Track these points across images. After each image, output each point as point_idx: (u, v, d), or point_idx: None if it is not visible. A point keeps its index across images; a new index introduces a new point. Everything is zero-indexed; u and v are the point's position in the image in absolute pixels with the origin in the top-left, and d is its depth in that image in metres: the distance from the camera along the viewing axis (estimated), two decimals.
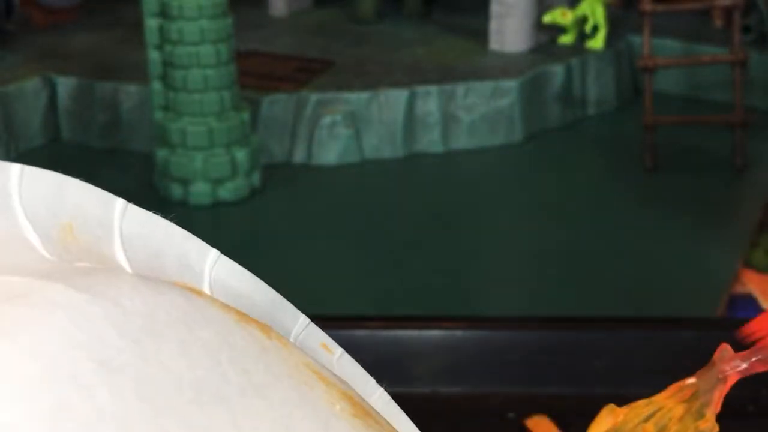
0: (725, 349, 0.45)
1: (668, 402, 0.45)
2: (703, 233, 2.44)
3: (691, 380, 0.45)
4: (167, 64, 2.58)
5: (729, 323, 1.03)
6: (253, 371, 0.34)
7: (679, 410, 0.45)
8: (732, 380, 0.45)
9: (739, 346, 0.52)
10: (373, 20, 3.61)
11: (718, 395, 0.45)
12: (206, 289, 0.38)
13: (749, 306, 2.16)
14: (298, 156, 2.89)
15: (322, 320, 0.78)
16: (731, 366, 0.44)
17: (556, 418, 0.72)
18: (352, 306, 2.10)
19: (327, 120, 2.85)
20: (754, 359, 0.45)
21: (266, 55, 3.25)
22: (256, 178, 2.67)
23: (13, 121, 2.91)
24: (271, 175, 2.75)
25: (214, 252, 0.39)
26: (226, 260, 0.40)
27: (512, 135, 3.02)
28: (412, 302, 2.13)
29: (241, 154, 2.60)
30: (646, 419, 0.44)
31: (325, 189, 2.77)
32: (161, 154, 2.62)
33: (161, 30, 2.57)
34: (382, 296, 2.17)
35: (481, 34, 3.32)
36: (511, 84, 3.00)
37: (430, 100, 2.95)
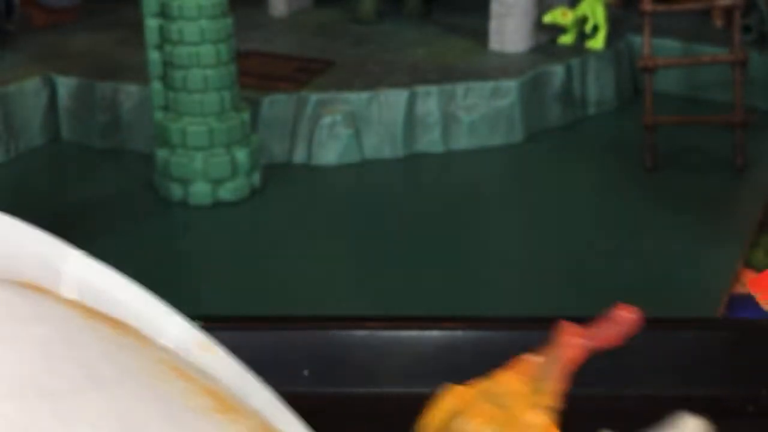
0: (566, 325, 0.45)
1: (509, 379, 0.45)
2: (703, 233, 2.44)
3: (532, 357, 0.45)
4: (167, 64, 2.58)
5: (729, 323, 1.04)
6: (95, 366, 0.34)
7: (518, 386, 0.44)
8: (573, 356, 0.45)
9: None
10: (373, 20, 3.61)
11: (560, 371, 0.45)
12: (64, 289, 0.38)
13: (749, 306, 2.16)
14: (298, 156, 2.89)
15: (321, 320, 0.78)
16: (572, 342, 0.44)
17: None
18: (352, 306, 2.10)
19: (327, 120, 2.85)
20: (594, 335, 0.45)
21: (266, 55, 3.25)
22: (256, 178, 2.67)
23: (13, 121, 2.91)
24: (271, 175, 2.75)
25: (75, 253, 0.39)
26: (89, 261, 0.40)
27: (512, 135, 3.02)
28: (412, 302, 2.13)
29: (241, 154, 2.60)
30: (487, 398, 0.44)
31: (325, 189, 2.77)
32: (161, 154, 2.62)
33: (161, 30, 2.57)
34: (382, 296, 2.17)
35: (481, 34, 3.32)
36: (511, 84, 3.00)
37: (430, 100, 2.95)
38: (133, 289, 0.40)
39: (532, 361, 0.44)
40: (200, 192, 2.60)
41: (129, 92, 2.96)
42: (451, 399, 0.42)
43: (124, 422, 0.32)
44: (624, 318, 0.42)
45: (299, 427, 0.42)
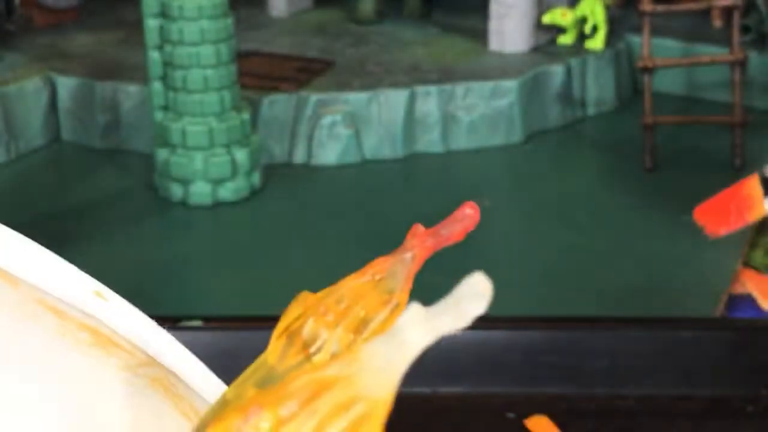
0: (417, 227, 0.46)
1: (357, 282, 0.46)
2: (702, 233, 2.44)
3: (381, 259, 0.46)
4: (167, 64, 2.58)
5: (729, 323, 1.04)
6: None
7: (366, 287, 0.45)
8: (423, 256, 0.46)
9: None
10: (373, 20, 3.61)
11: (409, 272, 0.46)
12: None
13: (749, 306, 2.16)
14: (298, 156, 2.89)
15: None
16: (420, 242, 0.45)
17: (556, 418, 0.72)
18: None
19: (327, 120, 2.85)
20: (440, 233, 0.46)
21: (266, 55, 3.25)
22: (256, 178, 2.67)
23: (14, 121, 2.91)
24: (271, 175, 2.75)
25: None
26: None
27: (512, 135, 3.02)
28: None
29: (241, 154, 2.60)
30: (331, 299, 0.45)
31: (325, 189, 2.77)
32: (161, 154, 2.62)
33: (161, 30, 2.57)
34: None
35: (481, 35, 3.32)
36: (510, 84, 3.00)
37: (430, 100, 2.95)
38: (18, 238, 0.40)
39: (379, 262, 0.45)
40: (200, 192, 2.60)
41: (129, 92, 2.96)
42: (296, 305, 0.43)
43: None
44: (466, 215, 0.43)
45: (196, 365, 0.42)
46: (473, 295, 0.27)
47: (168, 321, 0.51)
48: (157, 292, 2.14)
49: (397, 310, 0.43)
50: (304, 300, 0.45)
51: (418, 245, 0.46)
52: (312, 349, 0.41)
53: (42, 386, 0.34)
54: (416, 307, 0.28)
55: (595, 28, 3.28)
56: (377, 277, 0.46)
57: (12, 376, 0.33)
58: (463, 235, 0.43)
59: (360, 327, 0.42)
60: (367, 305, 0.44)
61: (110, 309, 0.42)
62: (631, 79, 3.37)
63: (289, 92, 2.91)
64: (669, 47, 3.29)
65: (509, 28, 3.24)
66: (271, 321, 0.81)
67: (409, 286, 0.44)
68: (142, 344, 0.41)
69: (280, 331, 0.43)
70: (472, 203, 0.43)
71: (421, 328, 0.27)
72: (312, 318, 0.43)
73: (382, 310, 0.43)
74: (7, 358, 0.33)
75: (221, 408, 0.28)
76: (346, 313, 0.42)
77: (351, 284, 0.46)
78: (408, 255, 0.46)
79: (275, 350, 0.41)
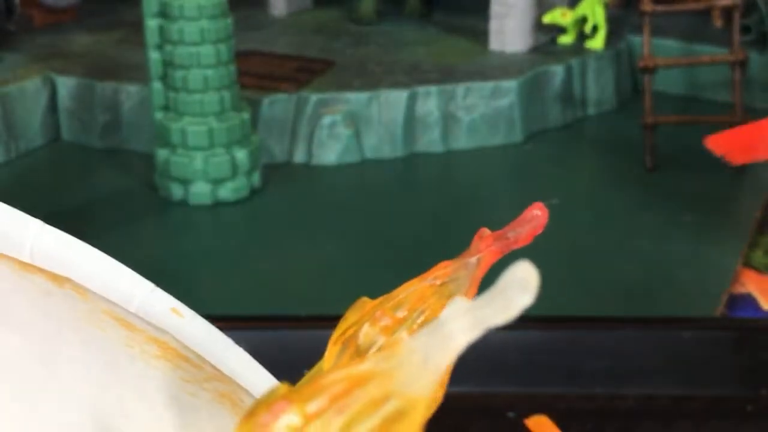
0: (483, 231, 0.45)
1: (418, 286, 0.44)
2: (702, 233, 2.45)
3: (445, 263, 0.44)
4: (167, 64, 2.58)
5: (729, 323, 1.04)
6: (15, 310, 0.34)
7: (427, 292, 0.43)
8: (488, 261, 0.44)
9: None
10: (373, 20, 3.61)
11: (474, 277, 0.44)
12: (26, 258, 0.38)
13: (749, 306, 2.16)
14: (298, 156, 2.89)
15: (321, 320, 0.78)
16: (487, 245, 0.43)
17: (556, 418, 0.72)
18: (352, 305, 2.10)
19: (327, 120, 2.85)
20: (508, 236, 0.44)
21: (266, 55, 3.25)
22: (256, 178, 2.67)
23: (14, 121, 2.91)
24: (271, 175, 2.75)
25: (36, 222, 0.39)
26: (51, 230, 0.40)
27: (512, 135, 3.02)
28: None
29: (241, 154, 2.60)
30: (390, 305, 0.43)
31: (325, 189, 2.78)
32: (161, 154, 2.62)
33: (161, 30, 2.57)
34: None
35: (481, 35, 3.32)
36: (511, 84, 3.00)
37: (430, 100, 2.95)
38: (99, 257, 0.40)
39: (442, 267, 0.44)
40: (200, 192, 2.60)
41: (129, 92, 2.96)
42: (353, 311, 0.42)
43: (40, 363, 0.32)
44: (534, 216, 0.42)
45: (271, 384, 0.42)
46: (519, 285, 0.25)
47: None
48: None
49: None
50: (362, 306, 0.44)
51: (484, 249, 0.45)
52: (370, 353, 0.40)
53: (104, 394, 0.34)
54: (460, 300, 0.27)
55: (595, 28, 3.28)
56: (439, 282, 0.44)
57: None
58: (531, 237, 0.42)
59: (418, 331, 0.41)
60: (427, 310, 0.42)
61: (186, 325, 0.41)
62: (631, 79, 3.37)
63: (289, 92, 2.91)
64: (669, 47, 3.29)
65: (509, 28, 3.24)
66: (272, 321, 0.81)
67: (473, 291, 0.43)
68: (214, 360, 0.41)
69: (335, 338, 0.42)
70: (540, 204, 0.42)
71: (465, 321, 0.26)
72: (368, 323, 0.42)
73: (438, 314, 0.42)
74: (72, 363, 0.33)
75: (253, 406, 0.27)
76: (404, 318, 0.41)
77: (411, 289, 0.44)
78: (473, 259, 0.44)
79: (330, 357, 0.40)
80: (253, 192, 2.66)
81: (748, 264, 2.31)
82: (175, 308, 0.41)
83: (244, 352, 0.43)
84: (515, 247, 0.44)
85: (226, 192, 2.61)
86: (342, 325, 0.40)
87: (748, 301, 2.18)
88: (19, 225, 0.38)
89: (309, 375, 0.37)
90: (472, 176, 2.88)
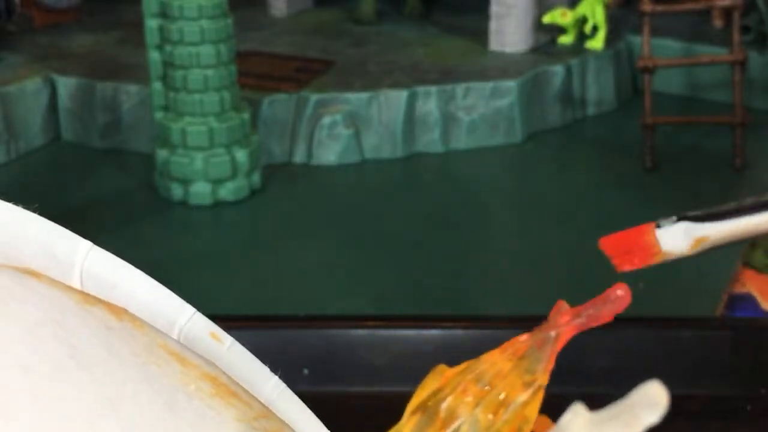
0: (561, 304, 0.44)
1: (496, 359, 0.44)
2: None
3: (524, 337, 0.44)
4: (167, 64, 2.58)
5: (729, 323, 1.03)
6: (84, 348, 0.34)
7: (507, 366, 0.43)
8: (567, 336, 0.44)
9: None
10: (373, 20, 3.61)
11: (551, 351, 0.44)
12: (76, 281, 0.38)
13: (749, 306, 2.16)
14: (298, 156, 2.89)
15: (321, 319, 0.78)
16: (566, 321, 0.43)
17: (556, 418, 0.72)
18: (352, 305, 2.10)
19: (327, 120, 2.85)
20: (588, 313, 0.44)
21: (266, 55, 3.25)
22: (256, 178, 2.67)
23: (14, 121, 2.91)
24: (271, 175, 2.75)
25: (86, 244, 0.38)
26: (99, 252, 0.39)
27: (512, 135, 3.02)
28: (412, 302, 2.13)
29: (241, 154, 2.60)
30: (471, 377, 0.43)
31: (325, 189, 2.77)
32: (161, 154, 2.62)
33: (161, 30, 2.57)
34: (382, 296, 2.17)
35: (481, 35, 3.32)
36: (510, 84, 3.00)
37: (430, 100, 2.95)
38: (143, 280, 0.40)
39: (521, 340, 0.43)
40: (200, 192, 2.60)
41: (129, 92, 2.96)
42: (435, 379, 0.42)
43: (106, 400, 0.32)
44: (617, 297, 0.41)
45: (307, 416, 0.42)
46: (647, 403, 0.24)
47: None
48: None
49: (538, 392, 0.41)
50: (441, 374, 0.44)
51: (562, 325, 0.44)
52: (449, 430, 0.40)
53: None
54: (580, 410, 0.26)
55: (595, 28, 3.28)
56: (518, 356, 0.44)
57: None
58: (611, 317, 0.41)
59: (499, 409, 0.41)
60: (507, 387, 0.42)
61: (225, 351, 0.41)
62: (632, 79, 3.37)
63: (289, 92, 2.91)
64: (669, 47, 3.29)
65: (509, 28, 3.24)
66: (272, 321, 0.81)
67: (550, 366, 0.43)
68: (256, 392, 0.41)
69: (415, 406, 0.42)
70: (623, 285, 0.42)
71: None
72: (451, 396, 0.42)
73: (523, 393, 0.42)
74: (134, 402, 0.33)
75: None
76: (485, 393, 0.41)
77: (490, 361, 0.44)
78: (551, 334, 0.44)
79: (409, 424, 0.40)
80: (253, 192, 2.66)
81: (748, 264, 2.31)
82: (214, 333, 0.42)
83: (280, 382, 0.43)
84: (593, 325, 0.44)
85: (226, 192, 2.61)
86: (421, 392, 0.40)
87: (748, 301, 2.18)
88: (68, 246, 0.38)
89: None
90: (472, 176, 2.88)
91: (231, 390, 0.38)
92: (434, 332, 0.75)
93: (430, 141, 2.96)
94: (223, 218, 2.59)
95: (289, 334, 0.74)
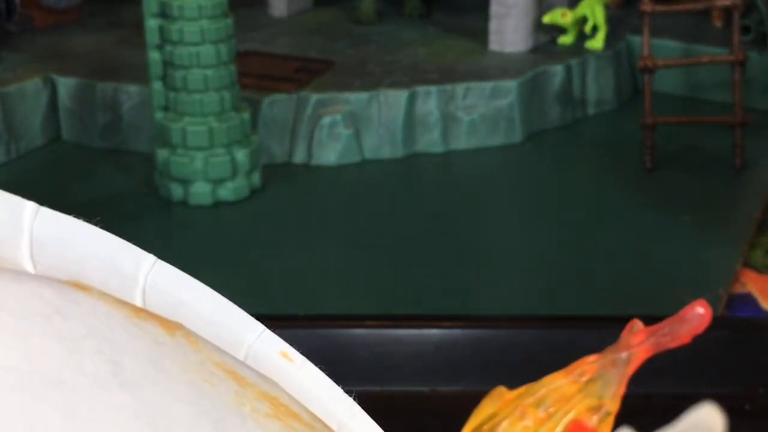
0: (635, 323, 0.41)
1: (559, 381, 0.41)
2: (702, 233, 2.45)
3: (592, 358, 0.40)
4: (167, 64, 2.58)
5: (729, 323, 1.04)
6: (128, 364, 0.33)
7: (571, 389, 0.40)
8: (640, 358, 0.41)
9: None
10: (373, 20, 3.61)
11: (623, 375, 0.41)
12: (138, 297, 0.37)
13: (749, 306, 2.16)
14: (298, 156, 2.89)
15: (321, 319, 0.79)
16: (640, 341, 0.40)
17: None
18: (352, 305, 2.10)
19: (327, 120, 2.86)
20: (663, 332, 0.41)
21: (266, 55, 3.25)
22: (256, 178, 2.67)
23: (14, 121, 2.91)
24: (271, 175, 2.76)
25: (150, 258, 0.38)
26: (164, 267, 0.39)
27: (512, 135, 3.02)
28: (412, 302, 2.13)
29: (241, 154, 2.61)
30: (531, 400, 0.40)
31: (325, 189, 2.78)
32: (161, 154, 2.62)
33: (161, 30, 2.57)
34: (382, 296, 2.17)
35: (481, 34, 3.32)
36: (510, 84, 3.00)
37: (430, 100, 2.95)
38: (210, 296, 0.39)
39: (589, 361, 0.40)
40: (200, 192, 2.60)
41: (129, 92, 2.96)
42: (493, 401, 0.39)
43: (147, 420, 0.31)
44: (696, 315, 0.38)
45: None
46: (702, 427, 0.23)
47: None
48: None
49: (607, 420, 0.38)
50: (499, 396, 0.41)
51: (636, 345, 0.41)
52: None
53: None
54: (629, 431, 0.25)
55: (595, 28, 3.28)
56: (584, 378, 0.41)
57: None
58: (690, 337, 0.38)
59: None
60: (571, 410, 0.39)
61: (296, 371, 0.40)
62: (632, 79, 3.37)
63: (289, 92, 2.91)
64: (669, 47, 3.29)
65: (509, 28, 3.24)
66: (272, 320, 0.81)
67: (621, 391, 0.39)
68: (324, 414, 0.39)
69: (472, 429, 0.39)
70: (703, 302, 0.39)
71: None
72: (507, 420, 0.39)
73: (589, 419, 0.39)
74: (181, 422, 0.32)
75: None
76: (546, 418, 0.38)
77: (554, 384, 0.41)
78: (623, 355, 0.41)
79: None
80: (253, 192, 2.67)
81: (748, 264, 2.31)
82: (284, 352, 0.41)
83: (355, 403, 0.41)
84: (671, 346, 0.40)
85: (226, 192, 2.61)
86: (478, 415, 0.38)
87: (748, 301, 2.18)
88: (132, 259, 0.38)
89: None
90: (472, 176, 2.88)
91: (292, 411, 0.37)
92: (434, 332, 0.76)
93: (430, 141, 2.96)
94: (223, 218, 2.59)
95: (289, 334, 0.74)
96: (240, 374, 0.37)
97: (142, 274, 0.38)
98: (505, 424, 0.38)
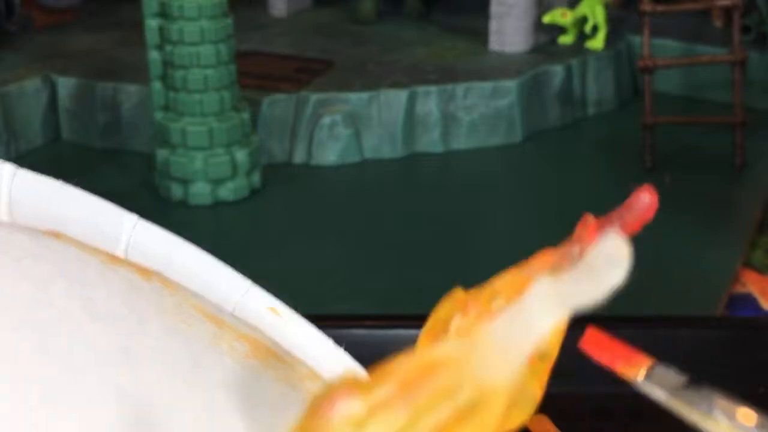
0: (587, 218, 0.41)
1: (516, 278, 0.41)
2: (702, 233, 2.45)
3: (545, 254, 0.40)
4: (167, 64, 2.58)
5: (729, 323, 1.04)
6: (101, 302, 0.32)
7: (525, 283, 0.40)
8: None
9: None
10: (373, 20, 3.61)
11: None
12: (120, 253, 0.37)
13: (749, 306, 2.16)
14: (298, 156, 2.89)
15: (321, 319, 0.78)
16: (590, 234, 0.40)
17: (555, 418, 0.72)
18: (352, 305, 2.10)
19: (327, 120, 2.86)
20: (614, 223, 0.40)
21: (266, 55, 3.25)
22: (256, 178, 2.67)
23: (14, 121, 2.91)
24: (271, 175, 2.75)
25: (132, 217, 0.38)
26: (148, 226, 0.39)
27: (512, 135, 3.02)
28: (412, 302, 2.13)
29: (241, 154, 2.60)
30: (488, 296, 0.40)
31: (325, 189, 2.78)
32: (161, 154, 2.62)
33: (161, 30, 2.57)
34: (382, 296, 2.17)
35: (481, 34, 3.32)
36: (510, 84, 3.00)
37: (430, 100, 2.95)
38: (195, 254, 0.39)
39: (542, 257, 0.40)
40: (200, 192, 2.60)
41: (129, 92, 2.96)
42: (446, 303, 0.39)
43: (121, 351, 0.30)
44: (643, 202, 0.38)
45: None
46: (609, 261, 0.23)
47: None
48: None
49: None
50: (454, 297, 0.41)
51: (589, 238, 0.41)
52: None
53: (188, 391, 0.32)
54: (544, 279, 0.24)
55: (595, 28, 3.28)
56: (538, 273, 0.40)
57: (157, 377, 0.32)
58: (640, 225, 0.38)
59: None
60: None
61: (283, 324, 0.40)
62: (632, 79, 3.37)
63: (289, 92, 2.91)
64: (669, 47, 3.29)
65: (509, 28, 3.24)
66: None
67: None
68: (310, 361, 0.39)
69: (426, 332, 0.39)
70: (648, 187, 0.38)
71: (551, 302, 0.24)
72: (459, 315, 0.39)
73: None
74: (155, 357, 0.32)
75: (315, 397, 0.25)
76: (499, 310, 0.38)
77: (507, 279, 0.41)
78: (576, 248, 0.41)
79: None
80: (253, 192, 2.67)
81: (748, 264, 2.31)
82: (272, 307, 0.40)
83: (345, 354, 0.41)
84: (623, 236, 0.40)
85: (226, 192, 2.61)
86: (433, 318, 0.37)
87: (748, 301, 2.18)
88: (113, 220, 0.37)
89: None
90: (472, 176, 2.88)
91: (272, 352, 0.36)
92: None
93: (430, 141, 2.96)
94: (223, 218, 2.59)
95: None
96: (219, 317, 0.36)
97: (124, 233, 0.37)
98: (457, 319, 0.38)
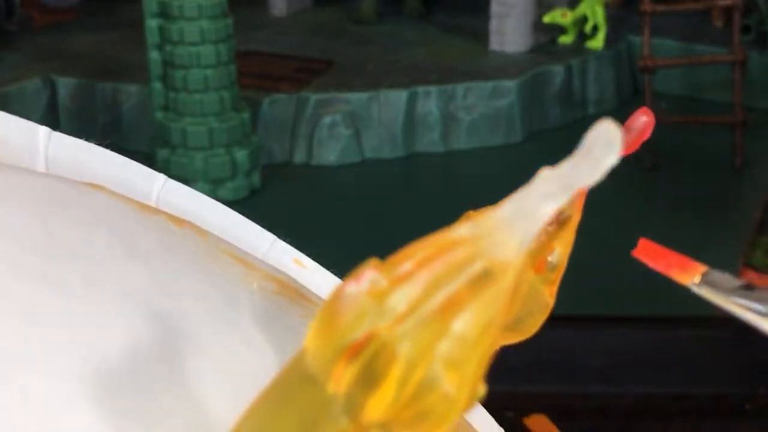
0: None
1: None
2: (702, 233, 2.45)
3: (548, 168, 0.41)
4: (167, 64, 2.58)
5: (729, 323, 1.04)
6: (140, 243, 0.34)
7: None
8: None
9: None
10: (373, 20, 3.61)
11: (580, 192, 0.42)
12: (153, 205, 0.39)
13: None
14: (298, 156, 2.89)
15: None
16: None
17: (555, 417, 0.72)
18: None
19: (327, 120, 2.86)
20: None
21: (266, 55, 3.25)
22: (256, 178, 2.67)
23: None
24: (271, 175, 2.75)
25: (161, 177, 0.40)
26: (176, 184, 0.41)
27: (512, 135, 3.02)
28: None
29: (241, 154, 2.60)
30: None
31: (325, 189, 2.78)
32: (161, 153, 2.62)
33: (161, 30, 2.57)
34: None
35: (481, 34, 3.32)
36: (510, 84, 3.00)
37: (430, 100, 2.95)
38: (223, 211, 0.41)
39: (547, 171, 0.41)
40: (200, 192, 2.60)
41: (129, 92, 2.96)
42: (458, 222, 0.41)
43: (161, 286, 0.32)
44: (642, 122, 0.39)
45: None
46: (604, 144, 0.24)
47: None
48: None
49: (567, 223, 0.39)
50: (466, 216, 0.42)
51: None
52: None
53: (224, 323, 0.34)
54: (545, 170, 0.27)
55: (595, 28, 3.28)
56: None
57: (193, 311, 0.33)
58: (637, 145, 0.40)
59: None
60: None
61: (308, 275, 0.42)
62: (632, 78, 3.37)
63: (289, 92, 2.91)
64: (669, 47, 3.29)
65: (509, 28, 3.24)
66: None
67: (581, 202, 0.41)
68: None
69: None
70: (645, 109, 0.40)
71: (553, 185, 0.26)
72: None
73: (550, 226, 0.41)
74: (194, 297, 0.33)
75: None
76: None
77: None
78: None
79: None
80: (253, 192, 2.66)
81: (748, 264, 2.31)
82: (297, 259, 0.42)
83: None
84: (622, 154, 0.41)
85: (226, 192, 2.61)
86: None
87: None
88: (144, 177, 0.39)
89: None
90: (472, 176, 2.88)
91: (299, 292, 0.38)
92: None
93: (430, 141, 2.96)
94: None
95: None
96: (247, 260, 0.38)
97: (155, 189, 0.40)
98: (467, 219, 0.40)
